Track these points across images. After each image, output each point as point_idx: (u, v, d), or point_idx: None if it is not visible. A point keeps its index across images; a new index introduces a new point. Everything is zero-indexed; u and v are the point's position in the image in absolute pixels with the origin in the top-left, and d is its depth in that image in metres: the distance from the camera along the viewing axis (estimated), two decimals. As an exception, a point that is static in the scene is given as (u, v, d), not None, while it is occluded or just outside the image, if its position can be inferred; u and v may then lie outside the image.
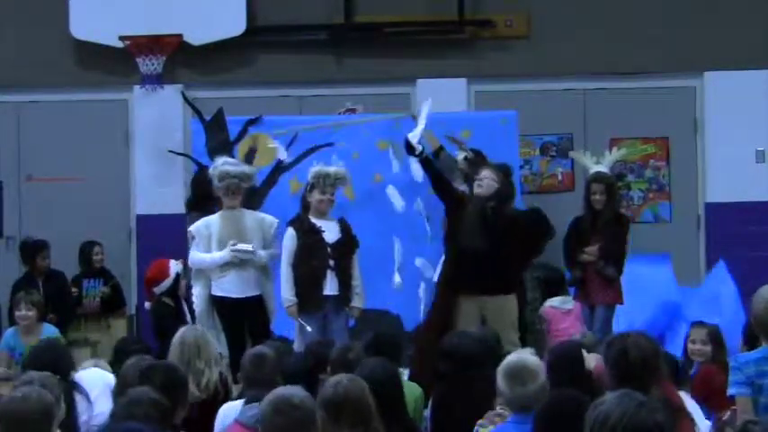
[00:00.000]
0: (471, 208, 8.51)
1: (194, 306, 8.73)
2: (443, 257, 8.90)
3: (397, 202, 9.68)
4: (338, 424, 4.73)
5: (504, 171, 8.84)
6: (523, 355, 5.33)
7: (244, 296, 8.57)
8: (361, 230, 8.99)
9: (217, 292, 8.61)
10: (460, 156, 9.44)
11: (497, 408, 5.61)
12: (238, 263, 8.51)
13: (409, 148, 8.95)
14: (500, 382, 5.17)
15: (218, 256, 8.54)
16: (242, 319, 8.47)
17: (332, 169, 8.84)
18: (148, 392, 4.87)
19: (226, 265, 8.54)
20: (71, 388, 6.24)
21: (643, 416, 3.62)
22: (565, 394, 4.82)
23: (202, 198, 9.51)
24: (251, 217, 8.73)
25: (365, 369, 5.60)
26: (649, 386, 5.05)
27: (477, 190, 8.56)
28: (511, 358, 5.28)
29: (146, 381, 5.24)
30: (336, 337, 8.40)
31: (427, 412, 6.78)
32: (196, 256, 8.66)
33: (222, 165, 8.71)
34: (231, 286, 8.56)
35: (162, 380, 5.24)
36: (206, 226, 8.67)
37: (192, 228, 8.83)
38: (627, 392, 3.78)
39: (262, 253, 8.60)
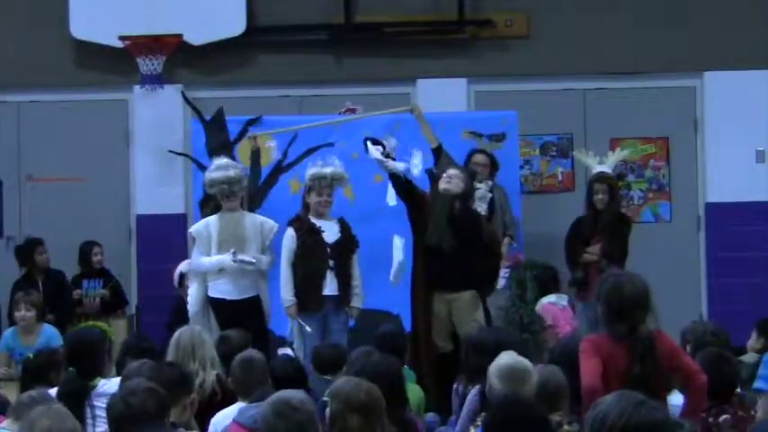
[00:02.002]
0: (438, 207, 8.47)
1: (189, 306, 8.72)
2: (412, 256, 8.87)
3: (391, 199, 9.65)
4: (372, 425, 4.72)
5: (470, 173, 8.86)
6: (517, 357, 5.42)
7: (240, 298, 8.57)
8: (361, 230, 8.99)
9: (213, 293, 8.62)
10: (488, 148, 9.51)
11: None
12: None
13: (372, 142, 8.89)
14: (495, 382, 5.19)
15: (215, 260, 8.55)
16: (239, 320, 8.45)
17: (328, 170, 8.82)
18: (144, 382, 4.85)
19: (221, 269, 8.55)
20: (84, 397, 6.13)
21: (642, 414, 3.61)
22: (514, 399, 4.82)
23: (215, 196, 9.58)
24: (250, 220, 8.73)
25: (368, 365, 5.63)
26: (639, 323, 5.22)
27: (445, 186, 8.50)
28: (506, 360, 5.35)
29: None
30: (336, 338, 8.43)
31: (429, 415, 6.80)
32: (197, 260, 8.68)
33: (209, 172, 8.73)
34: (227, 288, 8.57)
35: (165, 379, 5.22)
36: (205, 227, 8.68)
37: (191, 229, 8.86)
38: (626, 392, 3.77)
39: (263, 259, 8.60)
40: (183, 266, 9.31)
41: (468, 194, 8.61)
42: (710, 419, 5.46)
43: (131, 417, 4.60)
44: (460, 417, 6.12)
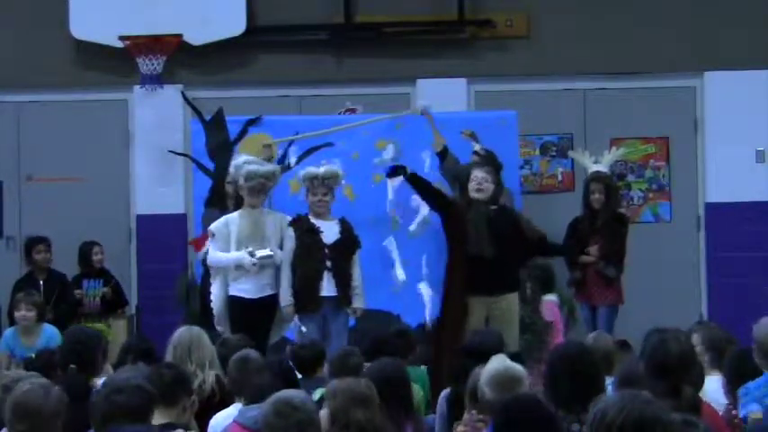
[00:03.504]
0: (474, 213, 8.51)
1: (211, 305, 8.70)
2: (447, 260, 8.88)
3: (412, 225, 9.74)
4: (375, 418, 4.75)
5: (495, 166, 8.87)
6: (507, 363, 5.29)
7: (258, 297, 8.56)
8: (362, 230, 8.99)
9: (233, 292, 8.60)
10: (476, 147, 9.50)
11: (470, 413, 5.53)
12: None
13: (392, 172, 8.94)
14: (486, 389, 5.11)
15: (233, 257, 8.50)
16: (258, 319, 8.45)
17: (321, 170, 8.81)
18: (130, 379, 4.84)
19: (239, 267, 8.54)
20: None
21: (641, 410, 3.61)
22: (522, 398, 4.80)
23: (219, 195, 9.56)
24: (271, 216, 8.73)
25: (375, 367, 5.66)
26: (683, 382, 4.95)
27: (476, 195, 8.55)
28: (495, 366, 5.23)
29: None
30: (335, 339, 8.42)
31: (430, 417, 6.79)
32: (215, 255, 8.64)
33: (248, 164, 8.68)
34: (247, 287, 8.55)
35: (164, 380, 5.21)
36: (225, 224, 8.65)
37: (212, 226, 8.76)
38: (627, 391, 3.77)
39: (279, 253, 8.60)
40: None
41: (499, 194, 8.66)
42: (734, 411, 5.47)
43: (114, 414, 4.59)
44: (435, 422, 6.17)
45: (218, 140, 10.09)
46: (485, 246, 8.44)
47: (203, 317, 8.94)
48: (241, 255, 8.45)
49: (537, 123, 11.01)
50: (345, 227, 8.80)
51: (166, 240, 11.03)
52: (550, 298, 9.60)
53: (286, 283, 8.62)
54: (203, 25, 10.92)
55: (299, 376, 6.57)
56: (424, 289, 9.73)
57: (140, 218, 11.38)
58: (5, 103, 11.46)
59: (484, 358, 5.86)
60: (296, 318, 8.66)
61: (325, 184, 8.75)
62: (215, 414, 6.00)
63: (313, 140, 9.98)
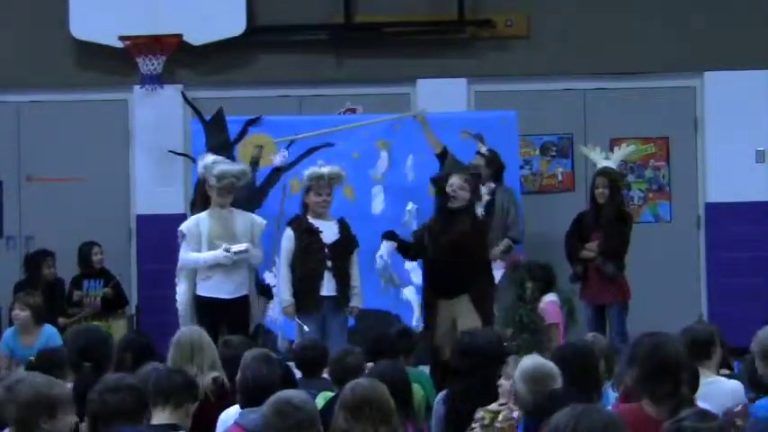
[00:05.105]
0: (437, 219, 8.52)
1: (177, 305, 8.67)
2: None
3: (377, 204, 9.72)
4: (360, 423, 4.74)
5: (473, 175, 8.84)
6: (541, 359, 5.38)
7: (230, 297, 8.53)
8: (362, 230, 9.00)
9: (203, 292, 8.56)
10: (482, 149, 9.49)
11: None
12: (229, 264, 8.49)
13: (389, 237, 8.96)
14: (519, 385, 5.17)
15: (210, 256, 8.49)
16: (225, 319, 8.37)
17: (326, 170, 8.82)
18: (123, 378, 4.84)
19: (213, 266, 8.51)
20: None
21: (591, 420, 3.62)
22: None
23: (205, 197, 9.55)
24: (241, 216, 8.72)
25: (375, 370, 5.69)
26: (681, 385, 4.80)
27: (451, 204, 8.47)
28: (530, 362, 5.31)
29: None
30: (335, 338, 8.42)
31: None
32: (188, 256, 8.62)
33: (219, 164, 8.69)
34: (219, 286, 8.51)
35: (172, 385, 5.20)
36: (196, 224, 8.65)
37: (182, 227, 8.77)
38: (579, 405, 3.76)
39: (255, 252, 8.59)
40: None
41: (475, 201, 8.61)
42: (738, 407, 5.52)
43: (108, 414, 4.58)
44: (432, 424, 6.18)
45: (219, 140, 10.10)
46: (437, 248, 8.42)
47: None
48: (218, 253, 8.45)
49: (537, 123, 11.02)
50: (344, 227, 8.81)
51: (166, 240, 10.98)
52: (551, 298, 9.59)
53: (286, 284, 8.63)
54: (203, 25, 10.93)
55: (299, 376, 6.57)
56: (410, 294, 9.75)
57: (140, 218, 11.39)
58: (5, 103, 11.46)
59: (482, 359, 5.88)
60: (296, 318, 8.67)
61: (330, 184, 8.77)
62: (210, 416, 5.96)
63: (313, 140, 10.00)
